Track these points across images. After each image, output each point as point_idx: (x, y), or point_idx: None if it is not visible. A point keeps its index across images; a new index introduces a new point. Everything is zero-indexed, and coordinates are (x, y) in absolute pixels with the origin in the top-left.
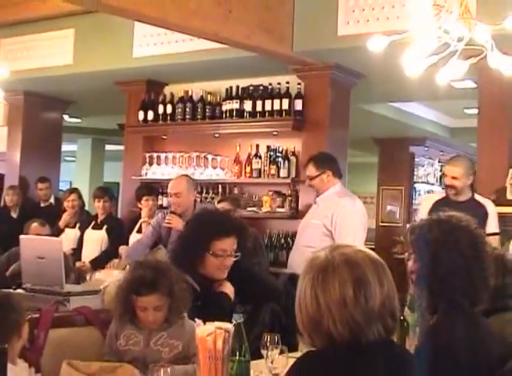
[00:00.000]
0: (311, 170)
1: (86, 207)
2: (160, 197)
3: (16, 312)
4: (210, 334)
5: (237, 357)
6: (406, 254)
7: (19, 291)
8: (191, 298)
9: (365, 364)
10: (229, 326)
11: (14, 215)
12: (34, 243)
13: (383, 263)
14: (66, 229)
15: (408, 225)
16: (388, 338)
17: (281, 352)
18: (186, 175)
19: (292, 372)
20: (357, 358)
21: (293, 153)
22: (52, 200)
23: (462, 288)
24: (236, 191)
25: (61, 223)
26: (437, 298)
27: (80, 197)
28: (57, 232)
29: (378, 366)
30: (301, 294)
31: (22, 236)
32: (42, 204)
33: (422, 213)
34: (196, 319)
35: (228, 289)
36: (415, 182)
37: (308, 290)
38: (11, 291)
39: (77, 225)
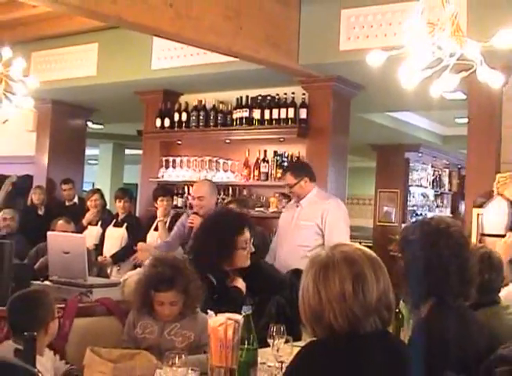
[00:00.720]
0: (290, 179)
1: (107, 207)
2: (175, 197)
3: (44, 309)
4: (222, 324)
5: (246, 346)
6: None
7: (47, 282)
8: (207, 292)
9: (362, 353)
10: (239, 317)
11: (40, 212)
12: (59, 239)
13: (379, 260)
14: (89, 227)
15: (403, 225)
16: (384, 330)
17: (286, 342)
18: (208, 180)
19: (296, 359)
20: (355, 347)
21: (298, 158)
22: (76, 200)
23: (440, 285)
24: (245, 193)
25: (84, 221)
26: (417, 294)
27: (102, 196)
28: (81, 229)
29: (375, 355)
30: (304, 289)
31: (49, 233)
32: (67, 204)
33: None
34: (209, 311)
35: (240, 284)
36: (409, 186)
37: (310, 285)
38: (39, 282)
39: (99, 223)
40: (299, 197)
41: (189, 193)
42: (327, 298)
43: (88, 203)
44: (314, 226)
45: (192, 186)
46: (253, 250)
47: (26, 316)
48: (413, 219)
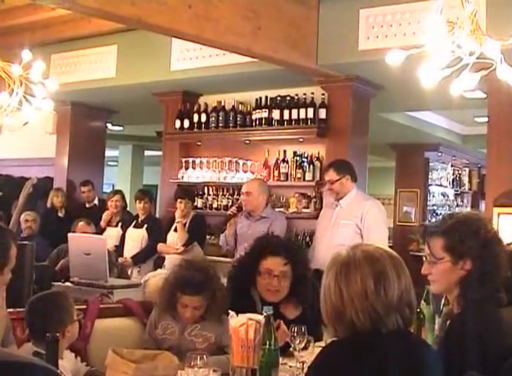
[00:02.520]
0: (332, 175)
1: (128, 208)
2: (195, 198)
3: (62, 312)
4: (243, 324)
5: (267, 346)
6: (425, 256)
7: (68, 284)
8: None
9: (384, 352)
10: (260, 317)
11: (61, 214)
12: (80, 240)
13: (400, 259)
14: (109, 228)
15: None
16: (406, 329)
17: (307, 342)
18: (260, 179)
19: (319, 359)
20: (378, 346)
21: (318, 158)
22: (96, 202)
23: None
24: None
25: (102, 222)
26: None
27: (123, 198)
28: (100, 230)
29: (397, 354)
30: (326, 288)
31: (70, 234)
32: (87, 205)
33: None
34: (230, 311)
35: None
36: (429, 185)
37: (332, 283)
38: (60, 284)
39: (119, 224)
40: (338, 196)
41: (209, 194)
42: (349, 296)
43: (109, 203)
44: (353, 225)
45: (212, 186)
46: (276, 284)
47: (43, 318)
48: (433, 219)
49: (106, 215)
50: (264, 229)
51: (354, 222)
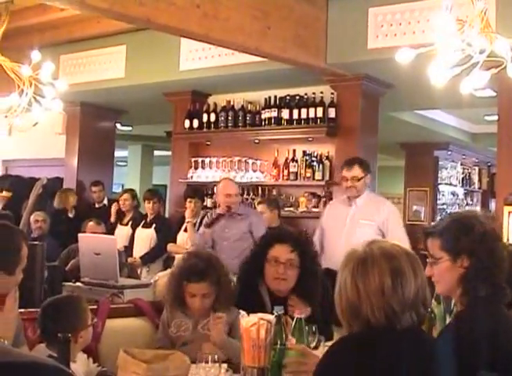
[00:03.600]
0: (357, 171)
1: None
2: (205, 198)
3: (75, 317)
4: (254, 324)
5: (278, 346)
6: (430, 259)
7: (78, 284)
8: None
9: (397, 348)
10: (271, 317)
11: (71, 215)
12: (91, 240)
13: (416, 256)
14: (120, 226)
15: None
16: (419, 326)
17: (318, 341)
18: (231, 178)
19: (327, 355)
20: (391, 342)
21: (327, 158)
22: (105, 202)
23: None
24: (274, 193)
25: (111, 217)
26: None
27: (133, 197)
28: (110, 227)
29: (409, 351)
30: (342, 284)
31: (80, 235)
32: (97, 205)
33: None
34: (241, 311)
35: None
36: (439, 184)
37: (348, 279)
38: (71, 284)
39: (129, 223)
40: (357, 193)
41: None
42: (366, 292)
43: (120, 202)
44: (374, 226)
45: None
46: (283, 271)
47: (55, 323)
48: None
49: (113, 207)
50: (243, 226)
51: (375, 223)
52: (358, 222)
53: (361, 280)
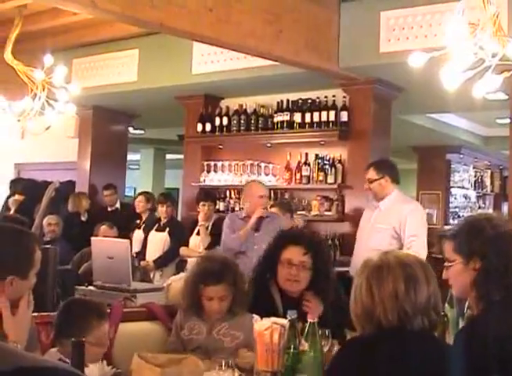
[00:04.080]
0: (371, 173)
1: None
2: (217, 201)
3: (80, 321)
4: (268, 328)
5: (292, 350)
6: (447, 263)
7: (91, 287)
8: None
9: (406, 347)
10: (284, 321)
11: (83, 218)
12: (103, 244)
13: (429, 266)
14: (137, 230)
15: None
16: (431, 332)
17: (332, 345)
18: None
19: (334, 356)
20: (400, 341)
21: (340, 161)
22: (118, 205)
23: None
24: (286, 196)
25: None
26: (496, 290)
27: (147, 200)
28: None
29: (417, 352)
30: (357, 290)
31: (93, 238)
32: (109, 209)
33: None
34: (254, 315)
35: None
36: (451, 187)
37: (363, 285)
38: (84, 288)
39: (142, 226)
40: (377, 197)
41: (230, 197)
42: (380, 296)
43: (136, 203)
44: (390, 230)
45: (234, 190)
46: (296, 273)
47: (73, 326)
48: (455, 221)
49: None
50: (272, 228)
51: (391, 227)
52: (375, 227)
53: (376, 285)
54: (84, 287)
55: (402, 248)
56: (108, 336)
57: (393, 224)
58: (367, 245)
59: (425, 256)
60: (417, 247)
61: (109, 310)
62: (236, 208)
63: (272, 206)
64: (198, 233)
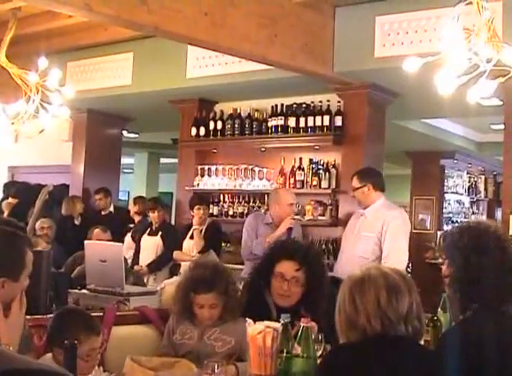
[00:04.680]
0: (354, 182)
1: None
2: (210, 205)
3: (68, 333)
4: (260, 332)
5: (285, 354)
6: (440, 259)
7: (84, 291)
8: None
9: (391, 353)
10: (278, 325)
11: (77, 222)
12: (97, 247)
13: (411, 279)
14: (128, 235)
15: (439, 233)
16: (416, 339)
17: (324, 350)
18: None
19: (322, 362)
20: (384, 346)
21: (334, 166)
22: (111, 209)
23: (491, 290)
24: None
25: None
26: (467, 300)
27: (136, 204)
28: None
29: (403, 359)
30: (341, 300)
31: (86, 242)
32: (103, 213)
33: None
34: (247, 319)
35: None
36: (445, 193)
37: (346, 295)
38: (77, 291)
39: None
40: (361, 204)
41: (224, 201)
42: (362, 304)
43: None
44: (373, 238)
45: (228, 194)
46: (287, 288)
47: (62, 337)
48: (449, 226)
49: None
50: (296, 235)
51: (375, 234)
52: (360, 235)
53: (358, 294)
54: (77, 291)
55: (382, 257)
56: (98, 351)
57: (376, 232)
58: (352, 252)
59: (405, 262)
60: (395, 254)
61: (102, 314)
62: (230, 213)
63: (266, 210)
64: (192, 237)
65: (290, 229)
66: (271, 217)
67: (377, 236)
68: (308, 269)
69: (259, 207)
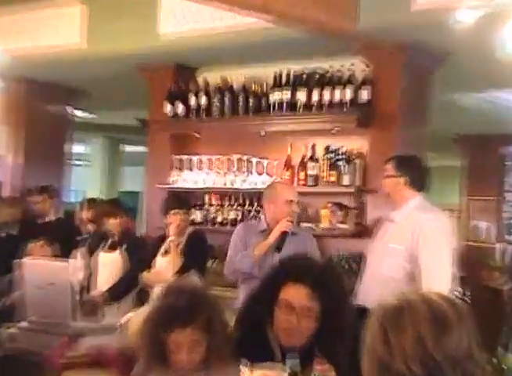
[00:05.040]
0: (389, 168)
1: None
2: (192, 210)
3: None
4: None
5: None
6: (503, 281)
7: (23, 324)
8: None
9: None
10: (283, 371)
11: (14, 232)
12: (36, 268)
13: (464, 306)
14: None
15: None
16: None
17: None
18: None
19: None
20: None
21: (359, 156)
22: (59, 215)
23: None
24: None
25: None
26: None
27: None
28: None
29: None
30: (369, 338)
31: (22, 260)
32: (41, 221)
33: None
34: (242, 359)
35: None
36: (506, 191)
37: (377, 332)
38: (7, 328)
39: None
40: (390, 199)
41: (211, 204)
42: (399, 343)
43: None
44: (403, 251)
45: (215, 194)
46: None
47: None
48: None
49: None
50: (302, 248)
51: (405, 246)
52: (388, 247)
53: (392, 331)
54: (9, 329)
55: (416, 276)
56: None
57: (406, 242)
58: (377, 271)
59: (448, 283)
60: (435, 272)
61: (46, 356)
62: (218, 219)
63: None
64: (166, 253)
65: (285, 234)
66: (266, 222)
67: (408, 248)
68: (324, 295)
69: (258, 211)
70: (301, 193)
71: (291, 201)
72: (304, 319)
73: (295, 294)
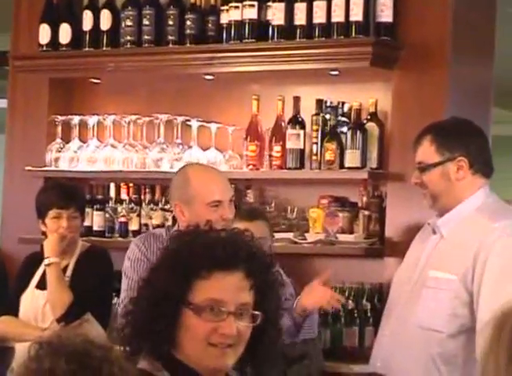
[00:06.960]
0: (425, 152)
1: None
2: (87, 209)
3: None
4: None
5: None
6: None
7: None
8: None
9: None
10: None
11: None
12: None
13: None
14: None
15: None
16: None
17: None
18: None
19: None
20: None
21: (374, 116)
22: None
23: None
24: (251, 197)
25: None
26: None
27: None
28: None
29: None
30: (488, 363)
31: None
32: None
33: None
34: None
35: None
36: None
37: (502, 355)
38: None
39: None
40: (435, 204)
41: (119, 200)
42: None
43: None
44: (456, 283)
45: (127, 184)
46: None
47: None
48: None
49: None
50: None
51: (457, 276)
52: (426, 277)
53: None
54: None
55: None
56: None
57: (462, 269)
58: (408, 320)
59: None
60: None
61: None
62: (134, 226)
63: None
64: (41, 284)
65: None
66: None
67: (465, 278)
68: (263, 283)
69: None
70: (274, 181)
71: (216, 203)
72: (241, 322)
73: (227, 287)
